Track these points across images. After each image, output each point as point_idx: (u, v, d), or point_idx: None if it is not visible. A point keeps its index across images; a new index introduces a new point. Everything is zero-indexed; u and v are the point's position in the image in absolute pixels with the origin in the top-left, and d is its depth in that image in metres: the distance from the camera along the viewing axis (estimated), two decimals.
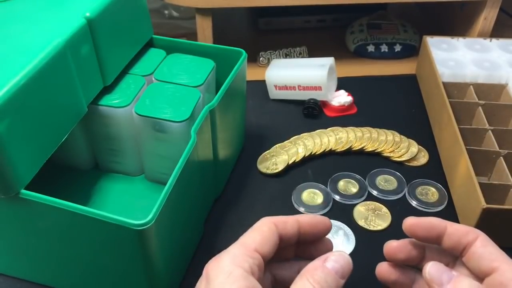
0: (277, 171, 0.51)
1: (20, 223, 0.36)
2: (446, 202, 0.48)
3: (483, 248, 0.31)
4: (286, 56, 0.68)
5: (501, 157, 0.47)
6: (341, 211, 0.48)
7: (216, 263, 0.30)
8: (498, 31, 0.67)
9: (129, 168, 0.48)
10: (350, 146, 0.54)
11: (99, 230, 0.33)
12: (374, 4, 0.72)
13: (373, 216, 0.47)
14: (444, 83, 0.56)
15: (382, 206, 0.48)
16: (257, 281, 0.29)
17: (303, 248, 0.35)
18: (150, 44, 0.50)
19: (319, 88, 0.58)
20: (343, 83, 0.62)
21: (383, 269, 0.36)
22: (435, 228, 0.33)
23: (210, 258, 0.43)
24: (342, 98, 0.59)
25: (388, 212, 0.47)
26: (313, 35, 0.76)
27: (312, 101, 0.58)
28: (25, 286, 0.41)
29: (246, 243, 0.31)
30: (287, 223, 0.33)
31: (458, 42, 0.63)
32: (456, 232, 0.32)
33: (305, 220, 0.34)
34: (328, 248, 0.36)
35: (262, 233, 0.32)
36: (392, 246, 0.35)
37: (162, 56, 0.48)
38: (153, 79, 0.46)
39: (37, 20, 0.39)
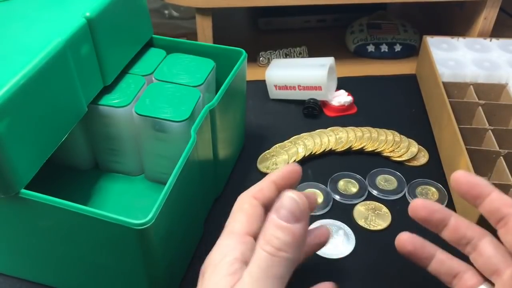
0: None
1: (20, 223, 0.36)
2: (446, 202, 0.48)
3: None
4: (286, 56, 0.68)
5: (501, 157, 0.47)
6: (341, 211, 0.48)
7: (208, 259, 0.29)
8: (498, 31, 0.67)
9: (129, 168, 0.48)
10: (350, 146, 0.54)
11: (99, 229, 0.33)
12: (374, 4, 0.72)
13: (373, 216, 0.47)
14: (444, 83, 0.56)
15: (382, 206, 0.48)
16: (247, 265, 0.28)
17: None
18: (150, 44, 0.50)
19: (319, 88, 0.58)
20: (343, 83, 0.62)
21: (402, 238, 0.35)
22: (478, 187, 0.32)
23: None
24: (342, 98, 0.59)
25: (388, 212, 0.47)
26: (313, 35, 0.75)
27: (312, 101, 0.58)
28: (25, 286, 0.41)
29: (234, 229, 0.30)
30: (264, 189, 0.32)
31: (458, 42, 0.63)
32: (499, 199, 0.31)
33: (277, 176, 0.33)
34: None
35: (246, 212, 0.31)
36: (419, 201, 0.34)
37: (162, 56, 0.48)
38: (153, 79, 0.46)
39: (37, 20, 0.39)
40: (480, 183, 0.32)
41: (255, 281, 0.27)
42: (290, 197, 0.28)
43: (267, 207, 0.31)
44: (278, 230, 0.27)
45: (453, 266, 0.34)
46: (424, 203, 0.33)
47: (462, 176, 0.32)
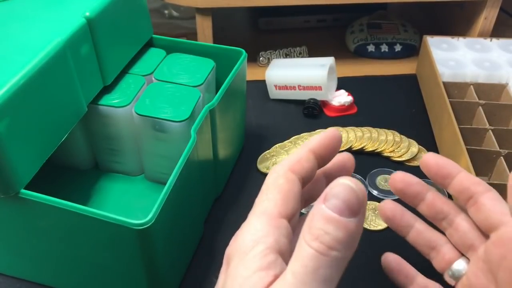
0: None
1: (20, 223, 0.36)
2: None
3: (494, 201, 0.30)
4: (286, 56, 0.68)
5: (502, 157, 0.47)
6: None
7: (235, 242, 0.25)
8: (498, 31, 0.67)
9: (129, 168, 0.48)
10: (350, 146, 0.54)
11: (99, 230, 0.33)
12: (374, 4, 0.72)
13: (373, 216, 0.47)
14: (444, 83, 0.56)
15: None
16: (281, 252, 0.24)
17: (330, 177, 0.31)
18: (150, 44, 0.50)
19: (319, 88, 0.58)
20: (343, 83, 0.62)
21: (384, 204, 0.35)
22: (448, 167, 0.32)
23: (210, 258, 0.43)
24: (342, 98, 0.59)
25: None
26: (313, 35, 0.75)
27: (312, 101, 0.58)
28: (25, 286, 0.41)
29: (268, 209, 0.25)
30: (302, 160, 0.27)
31: (458, 42, 0.63)
32: (468, 179, 0.31)
33: (316, 145, 0.28)
34: (348, 164, 0.31)
35: (281, 189, 0.26)
36: (399, 174, 0.34)
37: (162, 55, 0.48)
38: (153, 78, 0.46)
39: (37, 20, 0.39)
40: (448, 163, 0.32)
41: (300, 284, 0.22)
42: (346, 185, 0.23)
43: (305, 182, 0.27)
44: (329, 224, 0.22)
45: (431, 238, 0.34)
46: (403, 176, 0.34)
47: (431, 158, 0.32)
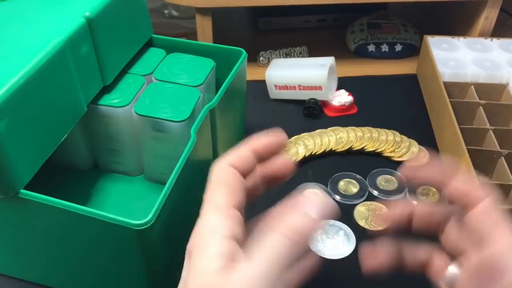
0: None
1: (19, 223, 0.36)
2: (447, 202, 0.48)
3: (484, 212, 0.30)
4: (286, 56, 0.68)
5: (502, 157, 0.47)
6: (342, 211, 0.48)
7: (194, 237, 0.27)
8: (499, 31, 0.67)
9: (128, 168, 0.48)
10: (351, 146, 0.53)
11: (98, 230, 0.33)
12: (375, 3, 0.72)
13: (373, 216, 0.47)
14: (444, 83, 0.56)
15: (383, 206, 0.48)
16: (238, 240, 0.27)
17: (269, 177, 0.33)
18: (150, 44, 0.50)
19: (320, 88, 0.58)
20: (343, 83, 0.62)
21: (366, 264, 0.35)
22: (445, 173, 0.32)
23: None
24: (342, 98, 0.59)
25: None
26: (313, 35, 0.75)
27: (312, 101, 0.58)
28: (25, 286, 0.41)
29: (219, 203, 0.28)
30: (242, 157, 0.30)
31: (459, 42, 0.63)
32: (462, 185, 0.31)
33: (258, 145, 0.31)
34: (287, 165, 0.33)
35: (226, 184, 0.29)
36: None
37: (162, 55, 0.48)
38: (153, 78, 0.46)
39: (37, 20, 0.39)
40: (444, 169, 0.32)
41: (265, 267, 0.25)
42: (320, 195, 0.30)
43: (244, 176, 0.30)
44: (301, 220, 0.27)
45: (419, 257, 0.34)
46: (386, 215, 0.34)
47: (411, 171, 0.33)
